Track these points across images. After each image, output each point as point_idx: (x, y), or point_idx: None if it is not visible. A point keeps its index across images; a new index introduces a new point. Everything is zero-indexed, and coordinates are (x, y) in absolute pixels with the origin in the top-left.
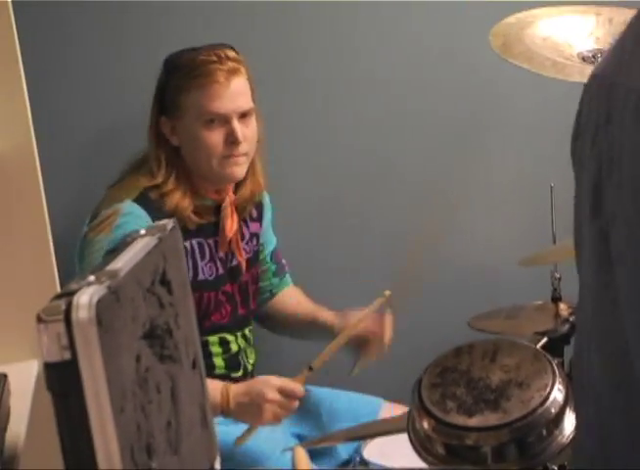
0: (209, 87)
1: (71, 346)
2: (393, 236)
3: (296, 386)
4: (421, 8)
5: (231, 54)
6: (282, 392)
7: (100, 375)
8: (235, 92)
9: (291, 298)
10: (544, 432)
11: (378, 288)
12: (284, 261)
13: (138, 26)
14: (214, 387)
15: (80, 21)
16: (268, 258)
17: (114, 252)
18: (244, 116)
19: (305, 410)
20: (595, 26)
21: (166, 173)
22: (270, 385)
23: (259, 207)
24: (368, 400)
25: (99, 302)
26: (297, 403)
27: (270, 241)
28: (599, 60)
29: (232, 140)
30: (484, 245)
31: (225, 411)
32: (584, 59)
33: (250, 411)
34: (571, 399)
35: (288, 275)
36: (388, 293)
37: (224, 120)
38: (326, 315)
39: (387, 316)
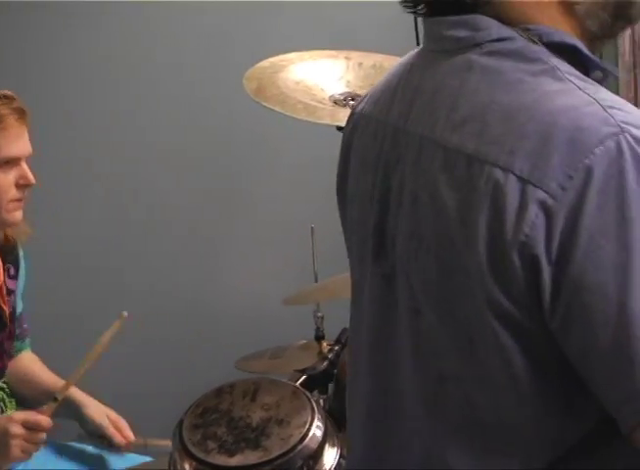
0: (5, 130)
1: None
2: (155, 288)
3: (40, 417)
4: (172, 55)
5: (14, 96)
6: (26, 425)
7: None
8: (25, 134)
9: (26, 362)
10: (304, 468)
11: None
12: (26, 325)
13: None
14: None
15: None
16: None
17: None
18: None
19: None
20: (346, 70)
21: None
22: (13, 420)
23: (16, 263)
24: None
25: None
26: (43, 436)
27: (19, 303)
28: (365, 99)
29: (24, 183)
30: (249, 286)
31: None
32: (336, 102)
33: None
34: (330, 434)
35: (28, 340)
36: (125, 314)
37: (15, 163)
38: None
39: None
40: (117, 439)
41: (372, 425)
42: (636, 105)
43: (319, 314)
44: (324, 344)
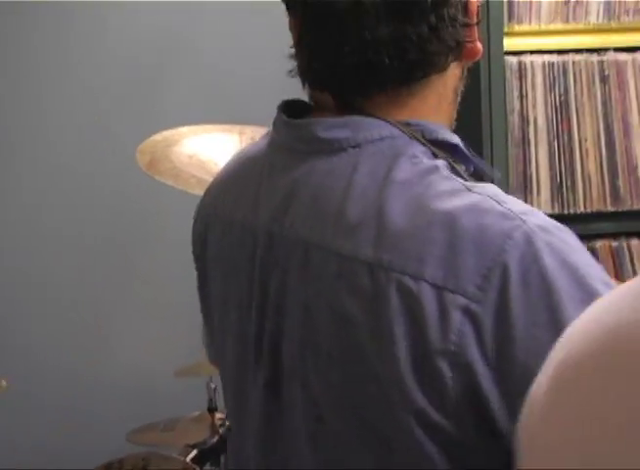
0: None
1: None
2: (42, 357)
3: None
4: (64, 126)
5: None
6: None
7: None
8: None
9: None
10: None
11: None
12: None
13: None
14: None
15: None
16: None
17: None
18: None
19: None
20: (239, 145)
21: None
22: None
23: None
24: None
25: None
26: None
27: None
28: (212, 197)
29: None
30: (140, 357)
31: None
32: None
33: None
34: None
35: None
36: (4, 383)
37: None
38: None
39: None
40: None
41: None
42: (525, 179)
43: (212, 385)
44: (217, 415)
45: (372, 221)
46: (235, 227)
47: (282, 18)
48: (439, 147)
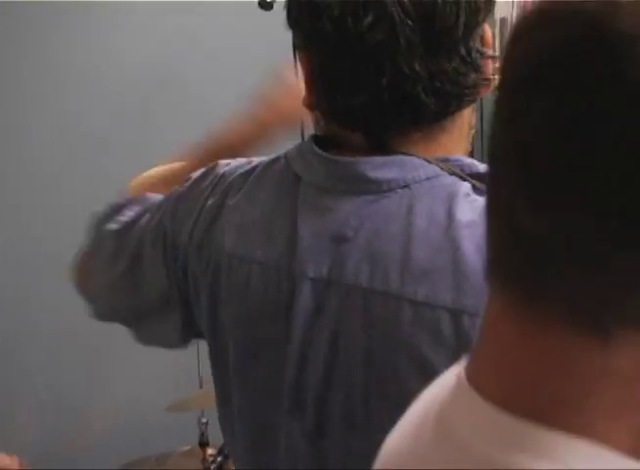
0: None
1: None
2: (31, 396)
3: None
4: (53, 159)
5: None
6: None
7: None
8: None
9: None
10: None
11: None
12: None
13: None
14: None
15: None
16: None
17: None
18: None
19: None
20: None
21: None
22: None
23: None
24: None
25: None
26: None
27: None
28: (233, 237)
29: None
30: (131, 392)
31: None
32: None
33: None
34: None
35: None
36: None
37: None
38: None
39: None
40: None
41: None
42: None
43: (204, 420)
44: (208, 450)
45: (446, 265)
46: (267, 268)
47: (277, 51)
48: (478, 179)
